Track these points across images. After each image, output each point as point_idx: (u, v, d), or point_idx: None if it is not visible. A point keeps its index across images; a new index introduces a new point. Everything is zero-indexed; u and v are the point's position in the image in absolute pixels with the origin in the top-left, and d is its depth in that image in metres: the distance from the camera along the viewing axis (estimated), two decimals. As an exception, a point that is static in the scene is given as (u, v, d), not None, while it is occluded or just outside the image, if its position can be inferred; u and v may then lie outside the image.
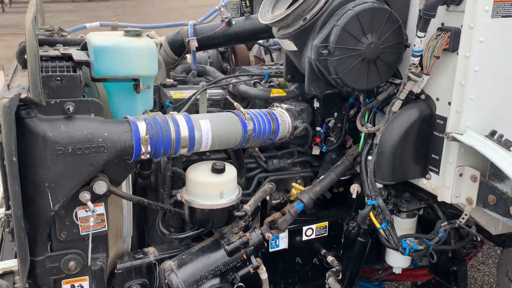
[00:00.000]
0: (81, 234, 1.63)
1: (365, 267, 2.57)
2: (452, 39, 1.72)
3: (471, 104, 1.75)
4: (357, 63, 1.81)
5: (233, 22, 2.53)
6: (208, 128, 1.67)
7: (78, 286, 1.71)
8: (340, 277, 2.19)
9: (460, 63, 1.72)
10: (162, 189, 1.98)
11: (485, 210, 1.81)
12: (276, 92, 2.17)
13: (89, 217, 1.58)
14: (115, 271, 1.90)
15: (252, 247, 1.91)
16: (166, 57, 2.63)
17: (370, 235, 2.30)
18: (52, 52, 1.63)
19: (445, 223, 2.14)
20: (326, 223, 2.28)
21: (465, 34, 1.69)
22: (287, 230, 2.18)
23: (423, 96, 1.91)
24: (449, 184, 1.86)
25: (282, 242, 2.20)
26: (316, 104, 2.25)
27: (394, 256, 2.36)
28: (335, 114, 2.28)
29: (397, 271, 2.41)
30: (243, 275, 1.90)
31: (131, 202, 1.92)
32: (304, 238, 2.25)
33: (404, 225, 2.24)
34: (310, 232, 2.26)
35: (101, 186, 1.55)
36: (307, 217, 2.29)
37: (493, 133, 1.75)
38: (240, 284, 2.04)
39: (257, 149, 2.08)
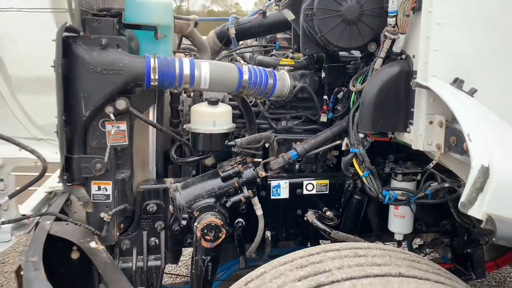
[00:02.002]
0: (107, 144, 2.14)
1: (370, 235, 2.69)
2: (418, -1, 1.97)
3: (437, 55, 1.94)
4: (338, 23, 2.13)
5: (268, 14, 3.00)
6: (207, 69, 2.11)
7: (103, 188, 2.21)
8: (333, 223, 2.39)
9: (424, 18, 1.95)
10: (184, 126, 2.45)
11: (451, 154, 1.94)
12: (285, 61, 2.56)
13: (112, 129, 2.10)
14: (138, 190, 2.38)
15: (244, 179, 2.25)
16: (214, 45, 3.18)
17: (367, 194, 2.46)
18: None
19: (435, 183, 2.25)
20: (326, 181, 2.52)
21: (427, -8, 1.93)
22: (288, 182, 2.48)
23: (404, 56, 2.14)
24: (422, 132, 2.02)
25: (283, 191, 2.49)
26: (323, 75, 2.56)
27: (395, 221, 2.48)
28: (345, 89, 2.56)
29: (398, 237, 2.50)
30: (235, 201, 2.23)
31: (155, 137, 2.42)
32: (305, 192, 2.50)
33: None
34: (310, 187, 2.50)
35: (120, 103, 2.06)
36: (309, 174, 2.56)
37: (455, 80, 1.91)
38: (240, 219, 2.38)
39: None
